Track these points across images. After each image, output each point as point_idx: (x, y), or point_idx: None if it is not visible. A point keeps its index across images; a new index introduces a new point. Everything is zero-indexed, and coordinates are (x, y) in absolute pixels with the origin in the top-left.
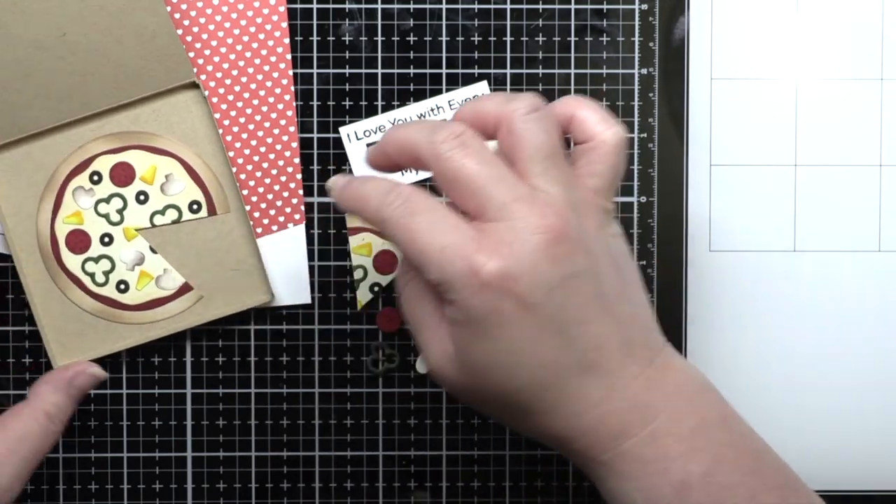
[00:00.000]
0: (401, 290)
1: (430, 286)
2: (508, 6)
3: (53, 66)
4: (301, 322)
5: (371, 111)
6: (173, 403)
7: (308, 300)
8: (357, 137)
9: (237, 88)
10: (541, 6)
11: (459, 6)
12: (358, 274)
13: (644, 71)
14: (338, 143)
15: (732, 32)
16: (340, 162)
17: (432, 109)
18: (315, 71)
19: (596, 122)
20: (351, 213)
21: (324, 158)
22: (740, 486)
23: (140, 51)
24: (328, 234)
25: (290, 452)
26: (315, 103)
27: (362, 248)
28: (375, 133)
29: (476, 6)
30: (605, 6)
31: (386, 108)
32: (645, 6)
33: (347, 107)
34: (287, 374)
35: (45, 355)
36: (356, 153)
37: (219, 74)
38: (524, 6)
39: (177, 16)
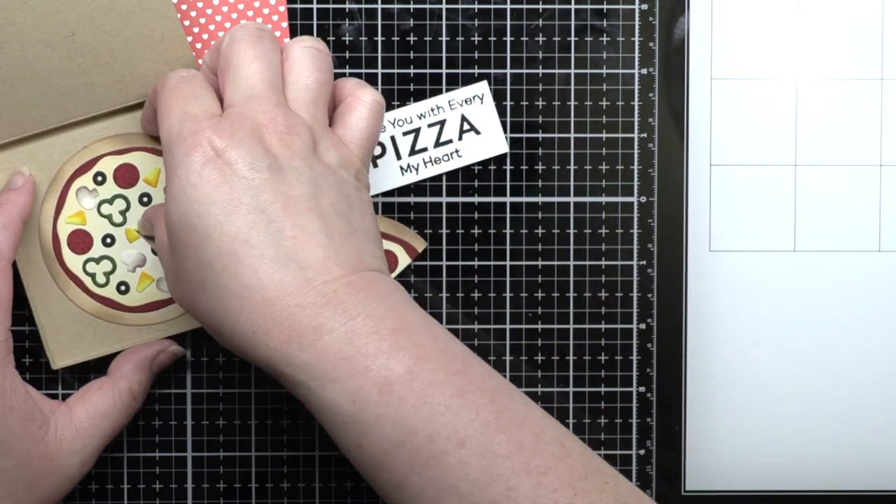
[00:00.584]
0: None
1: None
2: (508, 6)
3: (61, 65)
4: None
5: None
6: (173, 403)
7: None
8: None
9: None
10: (541, 6)
11: (459, 6)
12: None
13: (644, 71)
14: None
15: (732, 32)
16: None
17: (432, 109)
18: None
19: (354, 84)
20: None
21: None
22: (446, 384)
23: (149, 53)
24: None
25: (290, 452)
26: None
27: None
28: None
29: (476, 6)
30: (605, 6)
31: (386, 108)
32: (645, 6)
33: None
34: None
35: (45, 355)
36: None
37: None
38: (524, 6)
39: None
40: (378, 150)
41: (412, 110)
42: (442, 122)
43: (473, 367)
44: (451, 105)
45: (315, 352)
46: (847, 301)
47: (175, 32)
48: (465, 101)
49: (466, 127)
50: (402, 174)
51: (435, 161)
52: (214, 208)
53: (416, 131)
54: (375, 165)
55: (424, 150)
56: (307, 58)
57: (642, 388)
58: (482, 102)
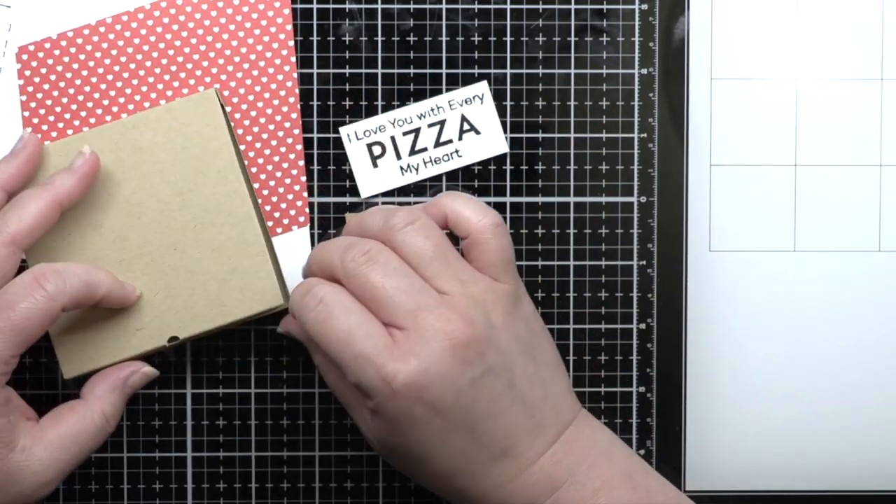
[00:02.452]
0: (321, 363)
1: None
2: (508, 6)
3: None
4: None
5: (371, 111)
6: (173, 403)
7: None
8: (357, 137)
9: (241, 91)
10: (541, 6)
11: (459, 6)
12: None
13: (644, 71)
14: (338, 143)
15: (732, 32)
16: (340, 162)
17: (432, 109)
18: (315, 71)
19: (469, 216)
20: None
21: (324, 158)
22: None
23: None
24: (328, 235)
25: (290, 452)
26: (315, 103)
27: None
28: (375, 133)
29: (476, 6)
30: (605, 6)
31: (386, 108)
32: (645, 6)
33: (347, 107)
34: (287, 374)
35: (45, 355)
36: (356, 153)
37: (223, 76)
38: (524, 6)
39: (181, 18)
40: (378, 150)
41: (412, 110)
42: (442, 122)
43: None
44: (451, 105)
45: None
46: (847, 301)
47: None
48: (465, 101)
49: (466, 127)
50: (402, 174)
51: (435, 161)
52: (432, 439)
53: (416, 131)
54: (375, 165)
55: (424, 150)
56: (412, 233)
57: (642, 388)
58: (482, 102)
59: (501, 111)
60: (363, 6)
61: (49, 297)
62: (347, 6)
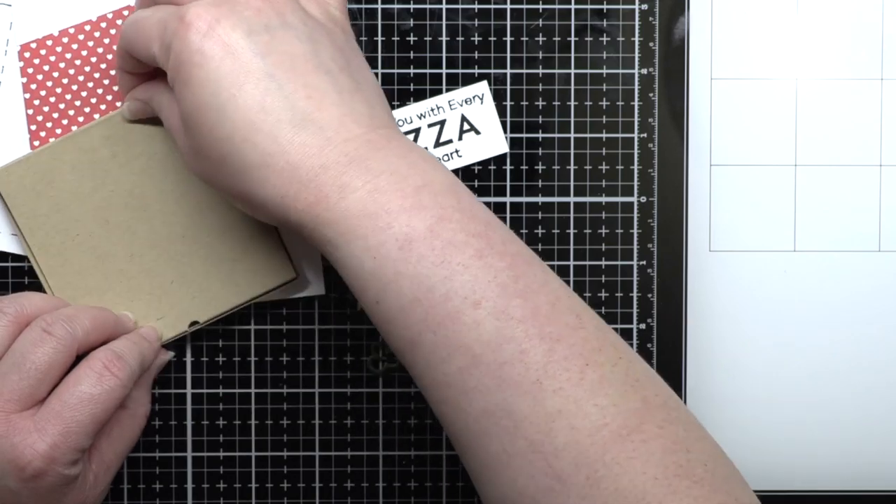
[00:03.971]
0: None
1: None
2: (508, 6)
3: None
4: (301, 322)
5: None
6: (173, 403)
7: (322, 291)
8: None
9: None
10: (541, 6)
11: (459, 6)
12: None
13: (644, 71)
14: None
15: (732, 32)
16: None
17: (432, 109)
18: None
19: None
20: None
21: None
22: (466, 244)
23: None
24: None
25: (290, 452)
26: None
27: None
28: None
29: (476, 6)
30: (605, 6)
31: None
32: (645, 6)
33: None
34: (287, 374)
35: None
36: None
37: None
38: (524, 6)
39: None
40: None
41: (412, 110)
42: (442, 123)
43: (495, 231)
44: (451, 105)
45: (340, 210)
46: (847, 301)
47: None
48: (465, 101)
49: (466, 127)
50: None
51: (441, 159)
52: (224, 82)
53: (416, 131)
54: None
55: (424, 149)
56: None
57: None
58: (482, 102)
59: (501, 111)
60: (363, 6)
61: (120, 383)
62: (347, 6)
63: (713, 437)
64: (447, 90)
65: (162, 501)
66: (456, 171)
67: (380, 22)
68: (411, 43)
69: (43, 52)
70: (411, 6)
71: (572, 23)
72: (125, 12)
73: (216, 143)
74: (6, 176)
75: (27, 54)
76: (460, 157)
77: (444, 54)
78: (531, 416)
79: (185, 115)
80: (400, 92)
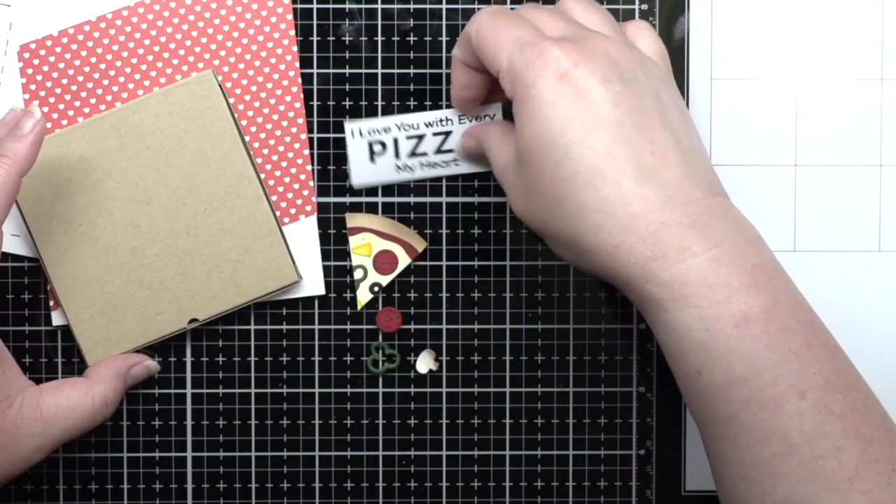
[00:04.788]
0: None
1: (491, 127)
2: (508, 6)
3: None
4: (301, 322)
5: (371, 111)
6: (173, 403)
7: (322, 291)
8: (361, 134)
9: (244, 82)
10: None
11: (459, 6)
12: (358, 274)
13: None
14: (338, 142)
15: (732, 32)
16: (340, 162)
17: (441, 120)
18: (315, 71)
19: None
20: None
21: (324, 158)
22: (797, 332)
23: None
24: (328, 234)
25: (290, 452)
26: (315, 103)
27: (362, 248)
28: (380, 133)
29: (476, 6)
30: (605, 6)
31: (386, 108)
32: (645, 6)
33: (347, 107)
34: (287, 374)
35: (46, 355)
36: (356, 147)
37: (225, 69)
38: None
39: (181, 11)
40: (378, 148)
41: (420, 118)
42: (447, 133)
43: (817, 321)
44: (460, 120)
45: (678, 273)
46: (847, 301)
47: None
48: (476, 118)
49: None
50: (398, 172)
51: (432, 165)
52: (574, 123)
53: (420, 137)
54: (373, 161)
55: (424, 154)
56: (585, 3)
57: (642, 388)
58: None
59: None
60: (363, 6)
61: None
62: (347, 6)
63: None
64: (447, 90)
65: (162, 501)
66: (455, 177)
67: (380, 22)
68: (411, 43)
69: (43, 52)
70: (411, 6)
71: None
72: (124, 12)
73: (556, 183)
74: None
75: (27, 54)
76: (458, 165)
77: (444, 54)
78: None
79: (524, 150)
80: (400, 92)
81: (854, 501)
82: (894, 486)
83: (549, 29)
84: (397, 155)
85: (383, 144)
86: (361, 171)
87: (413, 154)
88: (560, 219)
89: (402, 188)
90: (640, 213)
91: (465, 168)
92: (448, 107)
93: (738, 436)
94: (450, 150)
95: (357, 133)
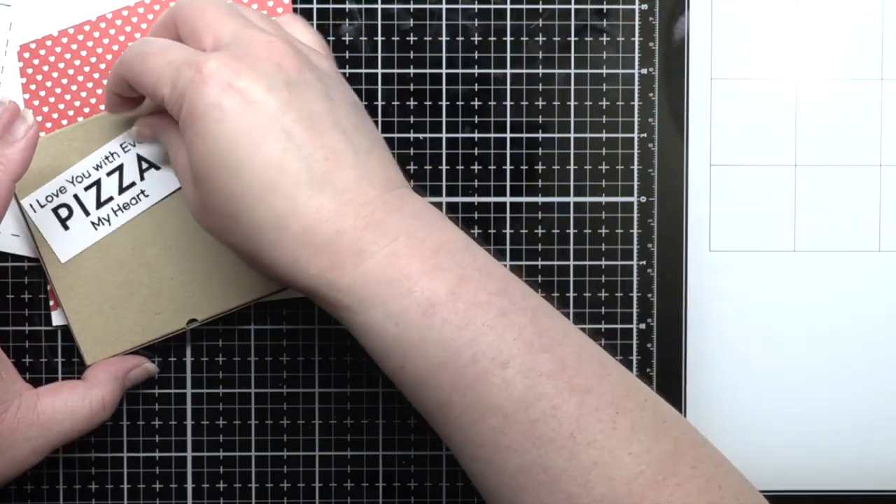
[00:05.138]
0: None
1: (169, 123)
2: (508, 6)
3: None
4: (301, 322)
5: (371, 111)
6: (173, 403)
7: None
8: (41, 205)
9: None
10: (541, 6)
11: (459, 6)
12: None
13: (644, 71)
14: None
15: (732, 32)
16: None
17: (107, 157)
18: None
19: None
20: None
21: None
22: (489, 304)
23: None
24: None
25: (290, 452)
26: None
27: None
28: (57, 196)
29: (476, 6)
30: (605, 6)
31: (386, 109)
32: (645, 6)
33: None
34: (287, 374)
35: (46, 354)
36: (44, 221)
37: None
38: (524, 6)
39: None
40: (65, 213)
41: (87, 163)
42: (120, 168)
43: (513, 286)
44: (124, 148)
45: (358, 276)
46: (847, 301)
47: None
48: (138, 141)
49: (145, 165)
50: (96, 228)
51: (124, 207)
52: (242, 140)
53: (97, 183)
54: (66, 228)
55: (110, 199)
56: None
57: None
58: None
59: (501, 111)
60: (363, 6)
61: None
62: (347, 6)
63: (737, 468)
64: (447, 90)
65: (162, 501)
66: (455, 171)
67: (380, 22)
68: (411, 43)
69: (42, 52)
70: (411, 6)
71: (572, 23)
72: (124, 12)
73: (229, 200)
74: None
75: (27, 54)
76: (147, 196)
77: (444, 54)
78: (568, 469)
79: (196, 168)
80: (400, 92)
81: (581, 455)
82: (620, 429)
83: (205, 40)
84: (86, 212)
85: (68, 207)
86: (62, 245)
87: (100, 204)
88: (238, 234)
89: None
90: (315, 224)
91: (153, 198)
92: (112, 137)
93: (459, 418)
94: (132, 184)
95: (37, 206)
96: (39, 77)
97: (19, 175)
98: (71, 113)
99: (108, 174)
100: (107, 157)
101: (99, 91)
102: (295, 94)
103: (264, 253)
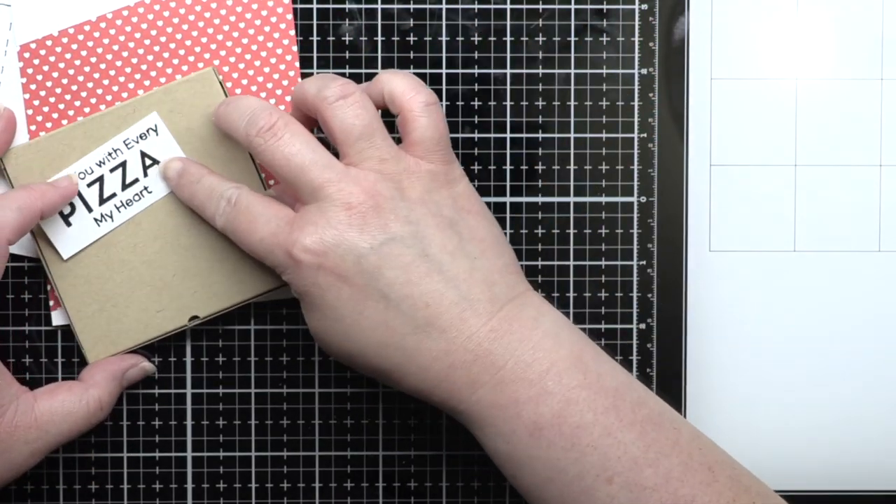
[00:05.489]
0: None
1: None
2: (508, 6)
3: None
4: (301, 322)
5: None
6: (173, 403)
7: None
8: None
9: (244, 82)
10: (541, 6)
11: (459, 6)
12: None
13: (644, 71)
14: None
15: (732, 32)
16: None
17: (110, 154)
18: (315, 71)
19: (402, 92)
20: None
21: None
22: (594, 424)
23: None
24: None
25: (290, 452)
26: None
27: None
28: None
29: (476, 6)
30: (605, 6)
31: (386, 108)
32: (645, 6)
33: None
34: (287, 374)
35: (46, 355)
36: (49, 220)
37: (225, 69)
38: (524, 6)
39: (181, 11)
40: (67, 209)
41: (91, 159)
42: (123, 164)
43: (624, 398)
44: (127, 145)
45: (472, 403)
46: (847, 301)
47: None
48: (140, 137)
49: (149, 162)
50: (98, 225)
51: (127, 203)
52: (346, 309)
53: (100, 179)
54: (69, 224)
55: (113, 195)
56: (342, 108)
57: None
58: (157, 133)
59: (501, 111)
60: (363, 6)
61: None
62: (347, 6)
63: None
64: (447, 90)
65: (162, 501)
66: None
67: (380, 22)
68: (411, 43)
69: (43, 52)
70: (411, 6)
71: (572, 23)
72: (125, 12)
73: (347, 356)
74: (14, 157)
75: (27, 54)
76: (150, 192)
77: (444, 54)
78: None
79: (313, 330)
80: None
81: None
82: None
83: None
84: (89, 208)
85: (70, 204)
86: (65, 242)
87: (103, 200)
88: (362, 371)
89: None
90: (429, 363)
91: (156, 195)
92: (112, 136)
93: None
94: (135, 181)
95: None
96: (39, 77)
97: (46, 215)
98: (71, 113)
99: (112, 170)
100: (110, 154)
101: (99, 91)
102: (383, 255)
103: (394, 386)
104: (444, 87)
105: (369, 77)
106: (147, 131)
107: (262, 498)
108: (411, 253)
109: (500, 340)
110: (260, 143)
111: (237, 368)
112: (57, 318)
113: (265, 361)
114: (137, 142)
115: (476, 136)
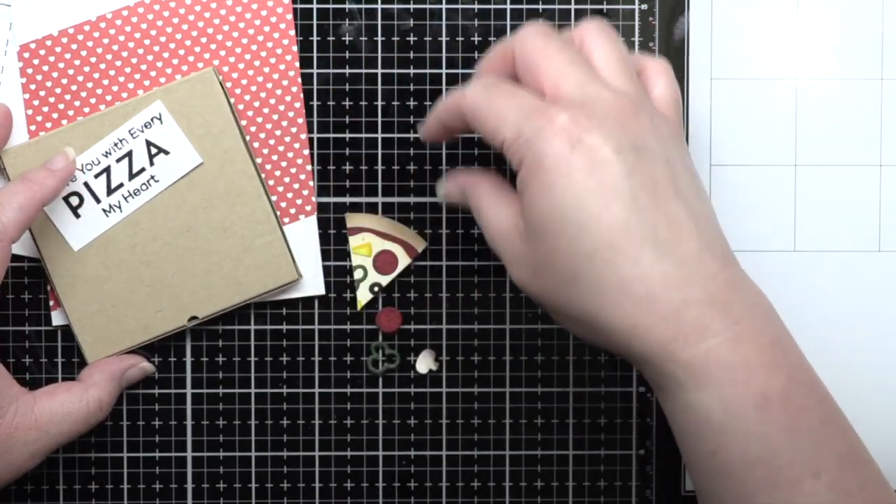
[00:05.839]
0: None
1: (482, 182)
2: (508, 6)
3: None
4: (301, 322)
5: (371, 111)
6: (173, 403)
7: (322, 291)
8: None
9: (244, 82)
10: (541, 6)
11: (459, 6)
12: (358, 274)
13: None
14: (338, 143)
15: (732, 32)
16: (340, 162)
17: (116, 144)
18: (315, 71)
19: (640, 57)
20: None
21: (324, 158)
22: (814, 410)
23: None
24: (328, 235)
25: (290, 452)
26: (315, 103)
27: (362, 248)
28: (68, 184)
29: (476, 6)
30: (605, 6)
31: (386, 109)
32: (645, 6)
33: (347, 107)
34: (287, 374)
35: (45, 355)
36: (55, 209)
37: (225, 69)
38: (524, 6)
39: (181, 11)
40: (76, 201)
41: (96, 151)
42: (129, 154)
43: (829, 396)
44: (132, 134)
45: (698, 353)
46: (847, 301)
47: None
48: (146, 126)
49: (154, 151)
50: (107, 216)
51: (134, 193)
52: (590, 198)
53: (107, 170)
54: (77, 216)
55: (121, 185)
56: (604, 34)
57: (642, 389)
58: (161, 122)
59: None
60: (363, 6)
61: None
62: (347, 6)
63: None
64: (447, 90)
65: (162, 501)
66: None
67: (380, 22)
68: (411, 43)
69: (43, 52)
70: (411, 6)
71: (572, 23)
72: (124, 12)
73: (571, 259)
74: (14, 157)
75: (27, 54)
76: (157, 181)
77: (444, 54)
78: None
79: (535, 223)
80: (400, 92)
81: None
82: None
83: (546, 83)
84: (97, 199)
85: (79, 195)
86: (75, 233)
87: (111, 191)
88: (574, 296)
89: (403, 188)
90: (660, 291)
91: (163, 184)
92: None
93: None
94: (142, 170)
95: None
96: (39, 77)
97: (47, 201)
98: (71, 113)
99: (118, 160)
100: (116, 144)
101: (99, 91)
102: (640, 158)
103: (601, 315)
104: (444, 87)
105: (369, 77)
106: (151, 120)
107: (262, 498)
108: (663, 172)
109: (736, 294)
110: (529, 40)
111: (237, 368)
112: (57, 318)
113: (265, 361)
114: (142, 131)
115: (476, 136)
